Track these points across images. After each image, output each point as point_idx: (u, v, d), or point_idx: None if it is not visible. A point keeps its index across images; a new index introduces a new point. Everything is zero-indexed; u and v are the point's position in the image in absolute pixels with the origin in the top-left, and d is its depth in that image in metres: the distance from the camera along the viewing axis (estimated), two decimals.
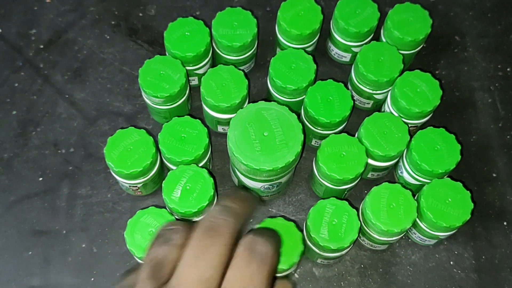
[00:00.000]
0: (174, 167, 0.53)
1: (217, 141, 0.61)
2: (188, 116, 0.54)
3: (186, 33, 0.57)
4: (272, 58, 0.57)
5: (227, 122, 0.58)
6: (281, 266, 0.48)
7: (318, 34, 0.61)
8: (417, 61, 0.65)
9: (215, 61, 0.62)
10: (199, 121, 0.54)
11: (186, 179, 0.51)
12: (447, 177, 0.54)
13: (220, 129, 0.60)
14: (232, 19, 0.59)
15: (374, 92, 0.59)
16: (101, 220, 0.57)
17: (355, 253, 0.57)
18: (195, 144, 0.53)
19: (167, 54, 0.58)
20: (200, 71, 0.60)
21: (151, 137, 0.53)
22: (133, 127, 0.54)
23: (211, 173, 0.52)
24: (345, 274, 0.56)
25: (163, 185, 0.51)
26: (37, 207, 0.58)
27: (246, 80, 0.56)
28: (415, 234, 0.55)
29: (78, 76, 0.64)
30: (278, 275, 0.50)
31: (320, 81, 0.56)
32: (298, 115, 0.51)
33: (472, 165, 0.61)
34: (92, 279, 0.55)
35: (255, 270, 0.29)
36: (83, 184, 0.59)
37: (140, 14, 0.68)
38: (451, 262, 0.57)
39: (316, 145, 0.60)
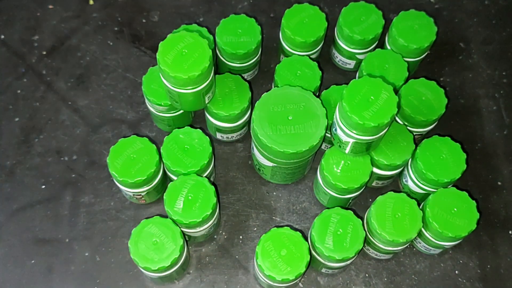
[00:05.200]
0: (176, 178, 0.53)
1: (220, 149, 0.61)
2: (189, 127, 0.54)
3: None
4: (277, 65, 0.57)
5: (226, 130, 0.58)
6: (287, 277, 0.48)
7: (323, 41, 0.61)
8: (422, 68, 0.65)
9: (219, 68, 0.62)
10: (200, 131, 0.54)
11: (188, 189, 0.51)
12: (453, 186, 0.54)
13: (218, 136, 0.60)
14: (236, 26, 0.58)
15: None
16: (104, 229, 0.57)
17: (359, 262, 0.57)
18: (198, 154, 0.53)
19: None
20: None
21: (154, 145, 0.53)
22: (135, 136, 0.53)
23: (212, 182, 0.52)
24: (350, 283, 0.56)
25: (164, 197, 0.50)
26: (40, 215, 0.57)
27: (250, 92, 0.56)
28: (420, 243, 0.55)
29: (81, 82, 0.64)
30: (284, 285, 0.50)
31: (335, 85, 0.57)
32: None
33: (477, 173, 0.61)
34: None
35: None
36: (86, 192, 0.58)
37: (144, 21, 0.67)
38: (456, 271, 0.57)
39: (325, 149, 0.59)
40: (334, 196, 0.55)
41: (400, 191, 0.53)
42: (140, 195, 0.55)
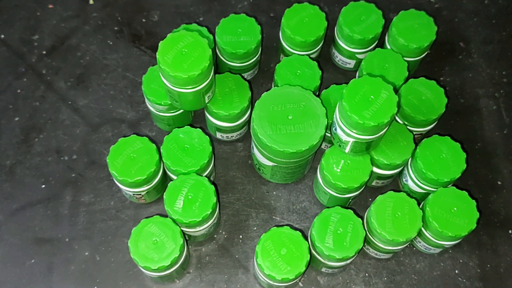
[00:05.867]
0: (176, 177, 0.53)
1: (220, 148, 0.61)
2: (188, 127, 0.54)
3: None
4: (277, 64, 0.57)
5: (226, 130, 0.58)
6: (287, 276, 0.48)
7: (323, 41, 0.61)
8: (422, 67, 0.65)
9: (219, 67, 0.62)
10: (200, 130, 0.54)
11: (187, 188, 0.51)
12: (453, 185, 0.54)
13: (218, 135, 0.60)
14: (236, 26, 0.58)
15: None
16: (104, 228, 0.57)
17: (359, 261, 0.57)
18: (198, 154, 0.53)
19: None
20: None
21: (153, 144, 0.53)
22: (135, 135, 0.53)
23: (211, 181, 0.52)
24: (350, 282, 0.56)
25: (164, 196, 0.50)
26: (40, 214, 0.57)
27: (250, 92, 0.56)
28: (420, 242, 0.55)
29: (81, 82, 0.64)
30: (284, 284, 0.50)
31: (335, 85, 0.57)
32: None
33: (477, 172, 0.61)
34: (95, 287, 0.55)
35: None
36: (86, 192, 0.58)
37: (143, 20, 0.67)
38: (456, 271, 0.57)
39: (325, 148, 0.59)
40: (334, 195, 0.55)
41: (400, 191, 0.53)
42: (140, 194, 0.55)
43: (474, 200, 0.52)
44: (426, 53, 0.60)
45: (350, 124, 0.49)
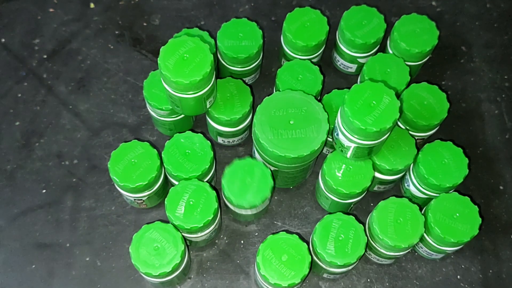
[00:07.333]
0: (177, 182, 0.52)
1: (221, 153, 0.61)
2: (190, 131, 0.54)
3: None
4: (279, 69, 0.57)
5: (227, 135, 0.57)
6: (293, 281, 0.47)
7: (324, 45, 0.61)
8: (423, 71, 0.65)
9: (220, 72, 0.62)
10: (201, 135, 0.54)
11: (189, 194, 0.50)
12: (455, 190, 0.54)
13: (220, 140, 0.60)
14: (238, 30, 0.58)
15: None
16: (105, 233, 0.57)
17: (361, 267, 0.56)
18: (200, 159, 0.53)
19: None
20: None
21: (155, 149, 0.53)
22: (136, 140, 0.53)
23: (213, 186, 0.52)
24: None
25: (165, 202, 0.50)
26: (40, 219, 0.57)
27: (251, 97, 0.55)
28: (422, 248, 0.55)
29: (82, 86, 0.63)
30: None
31: (336, 89, 0.57)
32: None
33: (479, 177, 0.61)
34: None
35: None
36: (87, 197, 0.58)
37: (144, 24, 0.67)
38: (458, 276, 0.57)
39: (327, 153, 0.59)
40: (335, 201, 0.54)
41: (402, 196, 0.52)
42: (141, 200, 0.55)
43: (476, 206, 0.52)
44: (428, 57, 0.60)
45: (352, 130, 0.48)
